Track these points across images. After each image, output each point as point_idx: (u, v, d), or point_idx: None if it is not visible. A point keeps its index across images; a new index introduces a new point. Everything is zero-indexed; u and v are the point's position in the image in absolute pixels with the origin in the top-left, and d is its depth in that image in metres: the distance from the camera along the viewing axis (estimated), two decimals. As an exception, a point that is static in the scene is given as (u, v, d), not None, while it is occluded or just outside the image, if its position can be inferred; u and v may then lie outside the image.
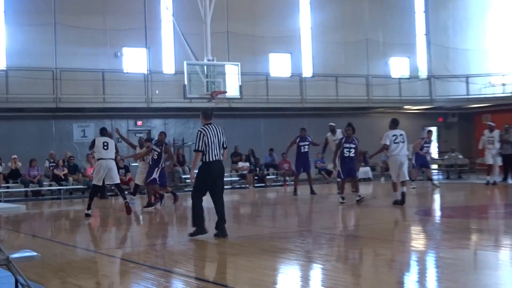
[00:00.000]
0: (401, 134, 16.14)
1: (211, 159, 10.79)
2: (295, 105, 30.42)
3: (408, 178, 16.49)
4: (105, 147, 15.87)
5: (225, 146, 11.06)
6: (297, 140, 21.22)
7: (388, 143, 16.00)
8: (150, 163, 17.90)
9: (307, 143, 21.21)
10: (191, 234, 11.02)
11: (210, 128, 10.90)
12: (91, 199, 16.12)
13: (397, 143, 15.98)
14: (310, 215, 15.88)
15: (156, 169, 17.56)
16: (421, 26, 35.08)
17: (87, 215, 15.76)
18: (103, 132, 16.48)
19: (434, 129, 35.72)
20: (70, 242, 11.85)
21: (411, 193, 20.39)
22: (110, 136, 16.80)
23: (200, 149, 10.79)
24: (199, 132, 10.88)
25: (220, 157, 10.89)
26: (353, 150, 17.32)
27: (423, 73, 34.90)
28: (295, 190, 21.10)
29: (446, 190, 23.28)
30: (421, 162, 22.96)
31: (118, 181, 16.33)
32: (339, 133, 20.39)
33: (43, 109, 26.25)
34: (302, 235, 11.48)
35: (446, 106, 34.57)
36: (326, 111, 31.24)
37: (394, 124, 16.48)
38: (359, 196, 16.90)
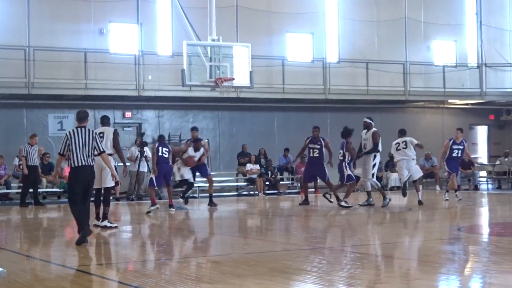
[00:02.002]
0: (404, 141, 20.28)
1: (76, 164, 12.52)
2: (317, 96, 30.47)
3: (417, 177, 20.63)
4: (100, 140, 15.41)
5: (101, 150, 12.85)
6: (307, 142, 21.21)
7: (392, 152, 20.87)
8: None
9: (318, 146, 21.06)
10: (77, 242, 12.38)
11: (76, 132, 12.58)
12: (97, 207, 15.60)
13: (399, 150, 20.31)
14: (331, 229, 15.93)
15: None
16: (472, 4, 35.02)
17: (104, 227, 15.29)
18: (103, 120, 16.16)
19: (484, 128, 35.81)
20: (43, 257, 11.92)
21: (450, 206, 20.40)
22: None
23: (62, 153, 12.76)
24: (64, 136, 12.77)
25: (88, 162, 12.56)
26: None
27: (472, 60, 34.85)
28: (305, 200, 21.29)
29: (497, 202, 23.30)
30: (453, 167, 22.01)
31: (110, 185, 15.43)
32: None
33: (13, 96, 26.40)
34: (321, 253, 11.53)
35: (499, 101, 34.55)
36: (354, 104, 31.31)
37: (401, 134, 20.64)
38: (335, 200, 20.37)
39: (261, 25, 30.08)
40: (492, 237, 14.06)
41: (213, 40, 23.78)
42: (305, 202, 21.17)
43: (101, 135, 15.40)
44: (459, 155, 21.86)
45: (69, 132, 12.64)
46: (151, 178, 19.95)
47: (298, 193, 27.63)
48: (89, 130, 12.76)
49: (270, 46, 30.10)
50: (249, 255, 11.45)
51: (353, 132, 20.31)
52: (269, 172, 28.21)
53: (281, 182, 28.49)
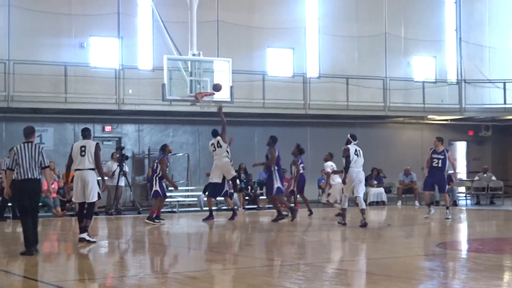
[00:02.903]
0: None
1: (23, 177, 13.22)
2: (297, 111, 30.50)
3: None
4: (82, 153, 15.22)
5: (43, 165, 13.32)
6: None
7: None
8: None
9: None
10: (21, 253, 13.30)
11: (23, 147, 13.30)
12: (80, 221, 15.54)
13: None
14: (311, 245, 15.92)
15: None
16: (451, 20, 35.25)
17: (83, 240, 15.29)
18: (84, 133, 15.79)
19: (463, 144, 35.96)
20: (19, 272, 11.85)
21: (433, 222, 20.45)
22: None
23: (11, 167, 13.49)
24: (12, 151, 13.72)
25: (34, 176, 13.23)
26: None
27: (452, 76, 35.05)
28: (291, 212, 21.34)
29: (475, 218, 23.38)
30: (432, 182, 21.21)
31: (93, 200, 15.38)
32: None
33: (-8, 109, 26.28)
34: (300, 270, 11.52)
35: (478, 117, 34.70)
36: (334, 119, 31.34)
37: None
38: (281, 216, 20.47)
39: (242, 40, 30.13)
40: (471, 254, 14.11)
41: (193, 54, 23.80)
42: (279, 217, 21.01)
43: (83, 148, 15.27)
44: (440, 165, 20.85)
45: (16, 148, 13.40)
46: (157, 190, 20.48)
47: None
48: (35, 145, 13.43)
49: (251, 61, 30.13)
50: (228, 270, 11.42)
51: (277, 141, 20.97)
52: (249, 187, 28.18)
53: (260, 197, 28.44)
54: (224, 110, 27.67)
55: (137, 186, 28.81)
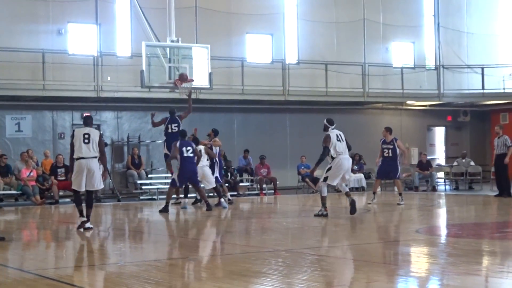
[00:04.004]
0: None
1: None
2: (276, 97, 30.51)
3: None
4: (86, 141, 15.00)
5: None
6: None
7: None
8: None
9: None
10: None
11: None
12: (78, 205, 15.56)
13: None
14: (290, 232, 15.97)
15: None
16: (429, 5, 35.35)
17: (83, 227, 15.22)
18: (87, 121, 15.59)
19: (442, 129, 36.14)
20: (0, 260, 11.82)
21: (412, 208, 20.57)
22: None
23: None
24: None
25: None
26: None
27: (430, 62, 35.18)
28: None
29: (454, 203, 23.53)
30: (384, 170, 21.81)
31: (100, 187, 15.78)
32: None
33: (-31, 97, 26.12)
34: (280, 256, 11.56)
35: (456, 103, 34.89)
36: (313, 105, 31.39)
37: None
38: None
39: (221, 26, 30.07)
40: (450, 239, 14.21)
41: (172, 41, 23.74)
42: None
43: (86, 136, 15.06)
44: (390, 154, 21.34)
45: None
46: (174, 178, 19.87)
47: (257, 194, 27.69)
48: None
49: (230, 47, 30.10)
50: (208, 257, 11.44)
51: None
52: (229, 174, 28.19)
53: (240, 184, 28.49)
54: (203, 96, 27.83)
55: (117, 173, 28.72)
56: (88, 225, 15.28)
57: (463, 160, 30.32)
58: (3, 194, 24.56)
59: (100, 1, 28.23)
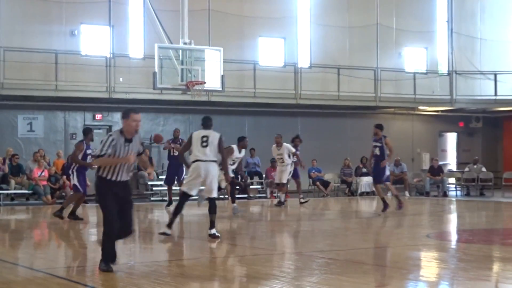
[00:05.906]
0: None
1: None
2: (288, 101, 30.49)
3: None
4: (204, 144, 13.89)
5: None
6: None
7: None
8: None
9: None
10: None
11: None
12: (175, 215, 14.16)
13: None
14: (301, 235, 15.96)
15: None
16: (443, 11, 35.27)
17: (214, 235, 13.88)
18: (206, 123, 14.35)
19: (453, 135, 36.06)
20: (9, 259, 11.85)
21: (423, 213, 20.51)
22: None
23: None
24: None
25: None
26: None
27: (443, 67, 35.10)
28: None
29: (465, 209, 23.47)
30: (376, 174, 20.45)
31: (215, 195, 14.02)
32: None
33: (-18, 96, 26.21)
34: (290, 259, 11.56)
35: (469, 108, 34.78)
36: (325, 109, 31.35)
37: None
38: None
39: (233, 29, 30.08)
40: (460, 244, 14.18)
41: (185, 43, 23.78)
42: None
43: (204, 139, 14.00)
44: (378, 153, 19.84)
45: None
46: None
47: (268, 197, 27.69)
48: None
49: (242, 50, 30.10)
50: (218, 259, 11.45)
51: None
52: (239, 177, 28.16)
53: (251, 187, 28.47)
54: (215, 99, 27.84)
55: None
56: (214, 231, 13.89)
57: (475, 166, 30.24)
58: (15, 193, 24.64)
59: (113, 3, 28.30)
